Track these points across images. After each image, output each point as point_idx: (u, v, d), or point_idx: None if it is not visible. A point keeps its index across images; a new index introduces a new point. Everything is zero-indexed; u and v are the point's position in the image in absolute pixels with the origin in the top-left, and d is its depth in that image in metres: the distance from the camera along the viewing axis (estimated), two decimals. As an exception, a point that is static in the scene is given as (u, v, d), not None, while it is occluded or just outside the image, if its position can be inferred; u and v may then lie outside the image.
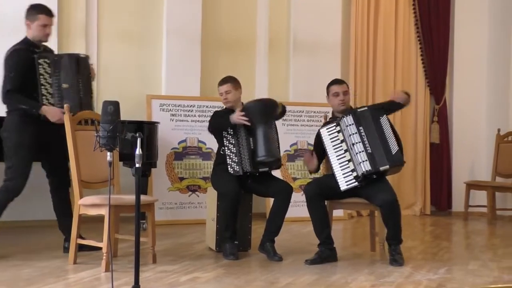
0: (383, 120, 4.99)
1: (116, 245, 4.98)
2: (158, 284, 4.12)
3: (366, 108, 5.09)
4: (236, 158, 5.13)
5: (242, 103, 5.34)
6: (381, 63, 8.35)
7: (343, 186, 4.94)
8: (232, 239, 5.10)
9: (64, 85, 4.88)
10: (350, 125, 4.97)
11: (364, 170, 4.86)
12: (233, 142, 5.15)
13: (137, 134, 3.77)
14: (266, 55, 8.01)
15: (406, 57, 8.58)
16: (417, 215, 8.38)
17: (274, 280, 4.31)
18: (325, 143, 5.06)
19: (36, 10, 4.98)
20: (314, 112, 7.92)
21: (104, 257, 4.45)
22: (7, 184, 4.91)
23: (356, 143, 4.92)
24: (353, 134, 4.94)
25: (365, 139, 4.92)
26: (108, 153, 3.76)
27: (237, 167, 5.12)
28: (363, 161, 4.87)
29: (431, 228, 7.32)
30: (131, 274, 3.76)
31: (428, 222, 7.81)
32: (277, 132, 5.33)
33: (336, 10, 8.17)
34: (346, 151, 4.96)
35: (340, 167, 4.96)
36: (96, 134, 3.79)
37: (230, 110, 5.27)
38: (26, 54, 4.90)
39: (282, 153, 7.68)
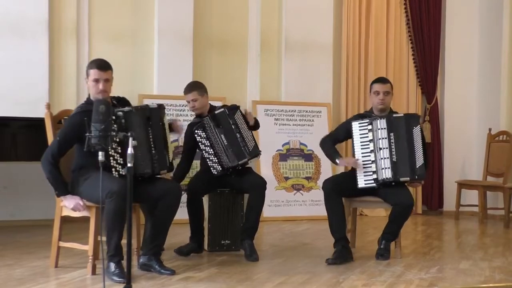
0: (416, 130, 5.07)
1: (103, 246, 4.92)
2: (150, 283, 4.11)
3: (402, 115, 5.14)
4: (215, 158, 5.09)
5: (215, 106, 5.33)
6: (372, 63, 8.36)
7: (361, 183, 5.05)
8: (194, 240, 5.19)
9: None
10: (382, 128, 5.03)
11: (384, 176, 4.99)
12: (208, 144, 5.09)
13: (129, 134, 3.76)
14: (258, 55, 8.00)
15: (398, 57, 8.59)
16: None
17: (266, 280, 4.30)
18: (354, 136, 5.12)
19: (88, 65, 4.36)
20: (306, 111, 7.96)
21: (90, 260, 4.31)
22: None
23: (384, 148, 5.01)
24: (382, 138, 5.02)
25: (393, 146, 5.01)
26: (100, 153, 3.73)
27: (218, 166, 5.08)
28: (386, 168, 4.99)
29: (423, 228, 7.34)
30: (123, 274, 3.75)
31: (419, 222, 7.83)
32: (238, 124, 5.15)
33: (328, 10, 8.20)
34: (372, 151, 5.03)
35: (363, 165, 5.04)
36: (87, 134, 3.76)
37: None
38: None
39: (274, 153, 7.75)
